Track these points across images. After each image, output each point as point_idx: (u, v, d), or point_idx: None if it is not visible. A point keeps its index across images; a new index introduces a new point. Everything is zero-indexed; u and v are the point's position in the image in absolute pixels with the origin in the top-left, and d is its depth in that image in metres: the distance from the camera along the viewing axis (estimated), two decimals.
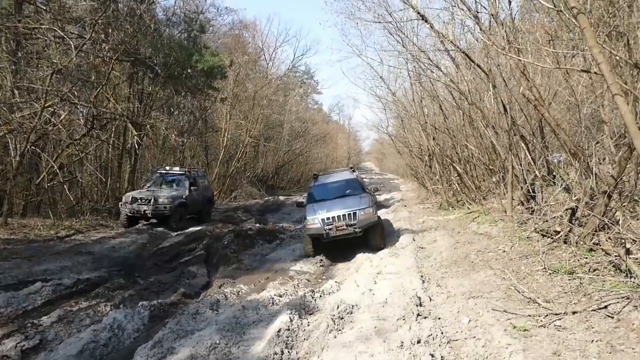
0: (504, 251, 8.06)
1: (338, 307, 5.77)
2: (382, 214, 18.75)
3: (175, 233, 14.35)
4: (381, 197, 29.07)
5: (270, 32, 73.97)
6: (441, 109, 16.15)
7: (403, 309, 5.43)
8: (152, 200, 15.19)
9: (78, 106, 15.80)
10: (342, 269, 9.88)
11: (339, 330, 5.20)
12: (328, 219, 10.47)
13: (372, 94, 23.97)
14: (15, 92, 12.79)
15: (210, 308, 6.76)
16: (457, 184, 16.06)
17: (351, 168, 14.03)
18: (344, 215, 10.45)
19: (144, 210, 15.08)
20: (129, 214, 15.22)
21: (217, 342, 5.19)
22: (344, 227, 10.35)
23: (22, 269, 8.84)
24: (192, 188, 16.99)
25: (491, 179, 13.44)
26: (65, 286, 7.80)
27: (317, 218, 10.59)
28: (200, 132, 28.98)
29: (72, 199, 16.20)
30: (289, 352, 5.00)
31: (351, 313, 5.70)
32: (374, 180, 57.50)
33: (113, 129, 19.62)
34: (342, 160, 70.31)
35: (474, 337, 4.73)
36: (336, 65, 79.42)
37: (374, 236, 10.79)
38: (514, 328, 4.72)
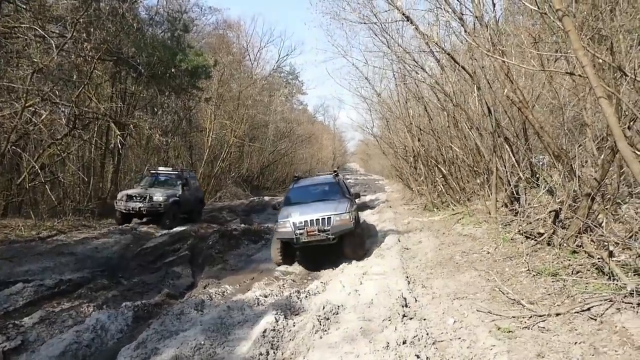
0: (488, 252, 8.14)
1: (324, 307, 5.75)
2: (367, 214, 18.84)
3: (160, 233, 14.25)
4: (366, 198, 29.18)
5: (254, 32, 74.08)
6: (426, 110, 16.25)
7: (389, 309, 5.44)
8: (147, 197, 15.50)
9: (59, 106, 15.55)
10: (328, 270, 9.87)
11: (325, 330, 5.19)
12: (300, 222, 9.85)
13: (357, 94, 24.00)
14: None
15: (195, 309, 6.70)
16: (442, 185, 16.17)
17: (334, 172, 13.30)
18: (317, 219, 9.82)
19: (139, 208, 15.32)
20: (123, 211, 15.49)
21: (202, 342, 5.15)
22: (316, 232, 9.69)
23: (3, 270, 8.70)
24: (184, 188, 17.27)
25: (475, 180, 13.55)
26: (47, 287, 7.68)
27: (289, 221, 9.96)
28: (185, 132, 28.72)
29: (53, 199, 15.91)
30: (274, 352, 4.98)
31: (337, 313, 5.69)
32: (359, 181, 57.72)
33: (95, 129, 19.37)
34: (327, 161, 70.42)
35: (459, 338, 4.75)
36: (321, 65, 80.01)
37: (349, 245, 10.11)
38: (498, 329, 4.76)
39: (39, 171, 14.47)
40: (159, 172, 18.09)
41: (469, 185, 14.72)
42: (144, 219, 15.96)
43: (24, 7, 14.59)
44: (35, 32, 13.43)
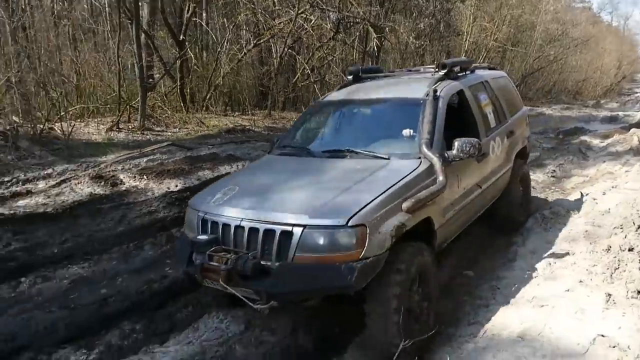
0: None
1: (551, 207, 5.55)
2: None
3: None
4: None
5: None
6: None
7: (624, 218, 4.93)
8: None
9: (325, 11, 17.13)
10: (575, 182, 9.07)
11: (546, 228, 5.06)
12: (212, 227, 3.38)
13: None
14: (275, 0, 14.57)
15: None
16: None
17: (441, 65, 4.74)
18: (250, 228, 3.15)
19: None
20: None
21: None
22: (222, 272, 2.97)
23: None
24: None
25: None
26: None
27: (197, 214, 3.54)
28: (441, 36, 28.26)
29: (320, 97, 18.18)
30: None
31: (565, 216, 5.43)
32: None
33: (357, 34, 20.68)
34: (608, 70, 60.09)
35: None
36: None
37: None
38: None
39: (310, 72, 16.57)
40: None
41: None
42: None
43: None
44: None
